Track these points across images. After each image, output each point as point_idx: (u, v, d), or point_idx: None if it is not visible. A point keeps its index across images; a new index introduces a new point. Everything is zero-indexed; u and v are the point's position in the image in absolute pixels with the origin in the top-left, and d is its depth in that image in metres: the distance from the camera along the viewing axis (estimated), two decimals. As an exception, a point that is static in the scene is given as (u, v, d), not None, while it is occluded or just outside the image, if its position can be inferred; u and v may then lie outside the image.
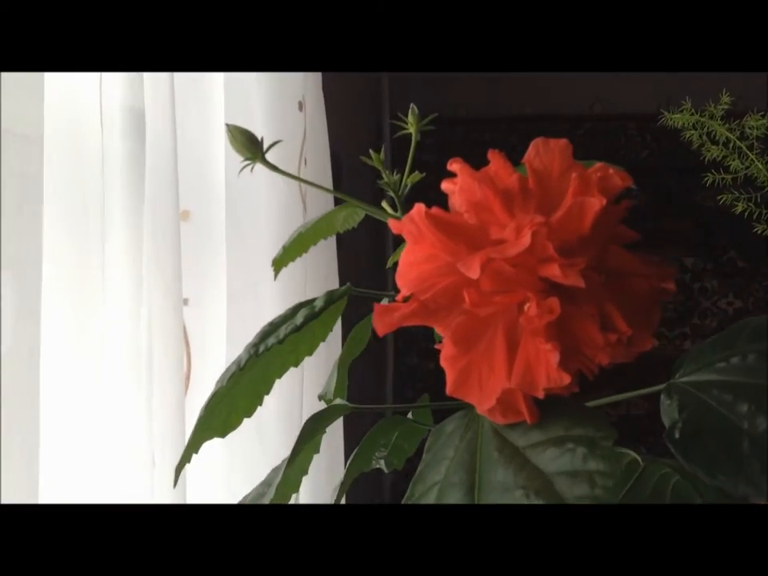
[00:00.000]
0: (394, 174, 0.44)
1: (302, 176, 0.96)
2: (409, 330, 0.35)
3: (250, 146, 0.41)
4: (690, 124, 0.77)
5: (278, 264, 0.47)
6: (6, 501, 0.67)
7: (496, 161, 0.35)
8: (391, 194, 0.44)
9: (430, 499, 0.35)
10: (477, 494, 0.33)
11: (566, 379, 0.31)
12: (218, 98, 0.86)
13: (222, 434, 0.42)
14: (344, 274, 1.10)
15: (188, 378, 0.82)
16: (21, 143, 0.72)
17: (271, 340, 0.38)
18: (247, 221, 0.89)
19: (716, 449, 0.38)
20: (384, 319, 0.33)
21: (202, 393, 0.84)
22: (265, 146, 0.43)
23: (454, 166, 0.36)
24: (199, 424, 0.40)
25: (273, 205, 0.90)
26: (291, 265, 0.93)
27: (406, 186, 0.43)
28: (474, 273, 0.31)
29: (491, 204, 0.33)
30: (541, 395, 0.32)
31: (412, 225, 0.34)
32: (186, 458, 0.40)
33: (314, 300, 0.40)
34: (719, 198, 0.71)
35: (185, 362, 0.82)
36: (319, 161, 1.05)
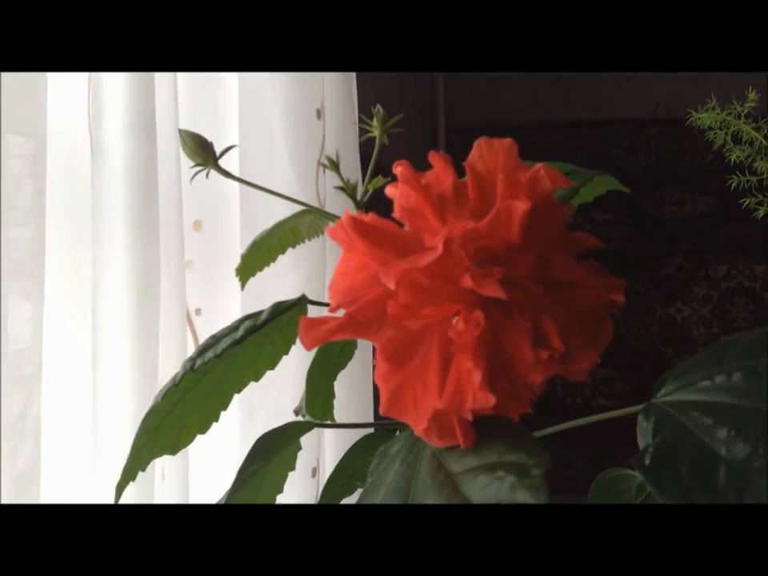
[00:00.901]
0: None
1: (320, 185, 0.95)
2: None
3: (200, 151, 0.40)
4: (717, 123, 0.72)
5: (243, 274, 0.45)
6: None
7: (437, 163, 0.33)
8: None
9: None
10: (405, 523, 0.30)
11: (491, 400, 0.28)
12: (232, 103, 0.86)
13: (173, 450, 0.41)
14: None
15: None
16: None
17: (209, 354, 0.36)
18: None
19: (690, 477, 0.34)
20: (311, 333, 0.31)
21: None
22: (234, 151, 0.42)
23: (398, 169, 0.33)
24: (144, 440, 0.39)
25: (288, 213, 0.89)
26: (307, 272, 0.92)
27: (367, 191, 0.41)
28: (390, 284, 0.28)
29: (424, 210, 0.31)
30: (469, 417, 0.29)
31: (342, 232, 0.32)
32: (130, 476, 0.39)
33: (261, 312, 0.38)
34: (742, 201, 0.67)
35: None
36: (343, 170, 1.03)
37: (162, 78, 0.77)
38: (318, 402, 0.51)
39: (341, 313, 0.32)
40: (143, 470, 0.40)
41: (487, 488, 0.29)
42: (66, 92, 0.73)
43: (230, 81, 0.87)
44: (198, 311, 0.85)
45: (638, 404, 0.38)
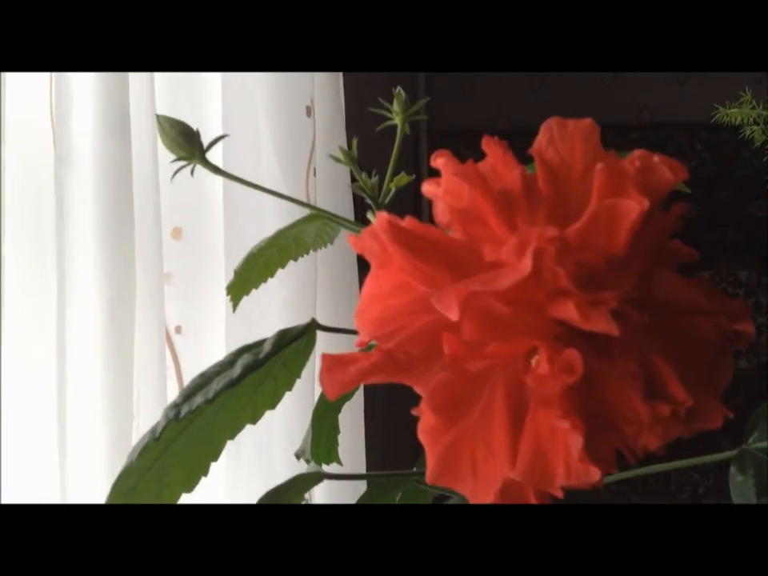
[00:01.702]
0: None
1: (310, 188, 0.87)
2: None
3: (183, 142, 0.32)
4: (751, 119, 0.66)
5: (235, 292, 0.37)
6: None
7: (493, 152, 0.25)
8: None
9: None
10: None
11: (594, 474, 0.20)
12: (215, 99, 0.78)
13: (152, 515, 0.33)
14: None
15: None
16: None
17: (198, 399, 0.28)
18: (249, 240, 0.79)
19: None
20: (335, 376, 0.24)
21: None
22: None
23: (438, 161, 0.26)
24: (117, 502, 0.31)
25: (277, 221, 0.81)
26: (299, 284, 0.84)
27: (388, 191, 0.33)
28: (452, 313, 0.21)
29: (483, 212, 0.23)
30: (558, 494, 0.22)
31: (374, 242, 0.24)
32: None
33: (262, 342, 0.30)
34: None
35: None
36: (333, 172, 0.96)
37: (135, 73, 0.69)
38: (322, 441, 0.43)
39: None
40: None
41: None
42: (24, 91, 0.64)
43: (211, 74, 0.79)
44: (178, 329, 0.77)
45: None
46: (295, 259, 0.38)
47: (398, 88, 0.36)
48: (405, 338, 0.23)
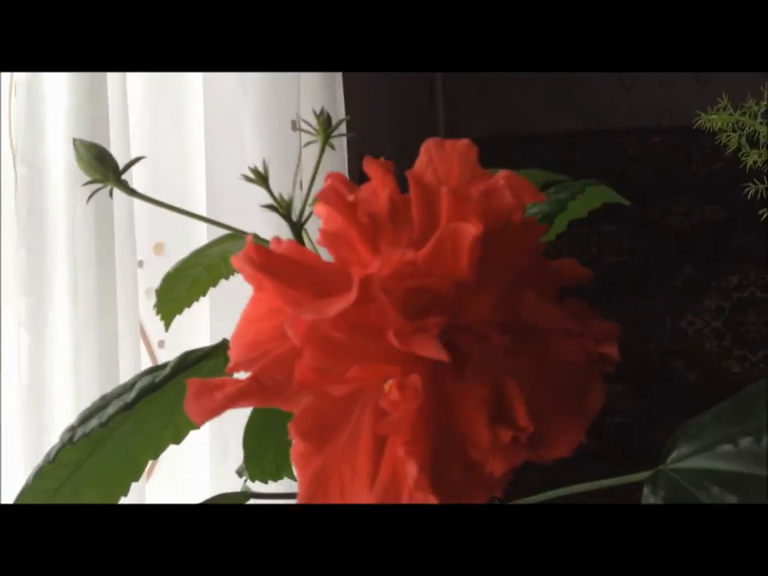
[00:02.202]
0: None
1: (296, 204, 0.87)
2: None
3: (98, 165, 0.32)
4: (729, 125, 0.64)
5: (165, 312, 0.38)
6: None
7: (374, 173, 0.25)
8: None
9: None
10: None
11: (430, 501, 0.20)
12: (197, 113, 0.79)
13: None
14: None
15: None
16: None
17: (93, 422, 0.29)
18: (233, 253, 0.80)
19: None
20: (202, 403, 0.24)
21: (173, 471, 0.75)
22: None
23: (327, 181, 0.26)
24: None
25: (264, 234, 0.81)
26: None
27: (303, 210, 0.33)
28: (295, 339, 0.21)
29: (350, 236, 0.23)
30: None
31: (246, 267, 0.24)
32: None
33: (165, 365, 0.30)
34: (761, 211, 0.59)
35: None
36: (321, 186, 0.96)
37: (112, 82, 0.70)
38: (268, 458, 0.43)
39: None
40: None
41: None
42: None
43: (194, 87, 0.80)
44: (161, 343, 0.78)
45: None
46: (227, 278, 0.38)
47: (322, 107, 0.36)
48: (267, 363, 0.23)
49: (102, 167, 0.32)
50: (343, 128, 0.39)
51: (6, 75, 0.69)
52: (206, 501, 0.34)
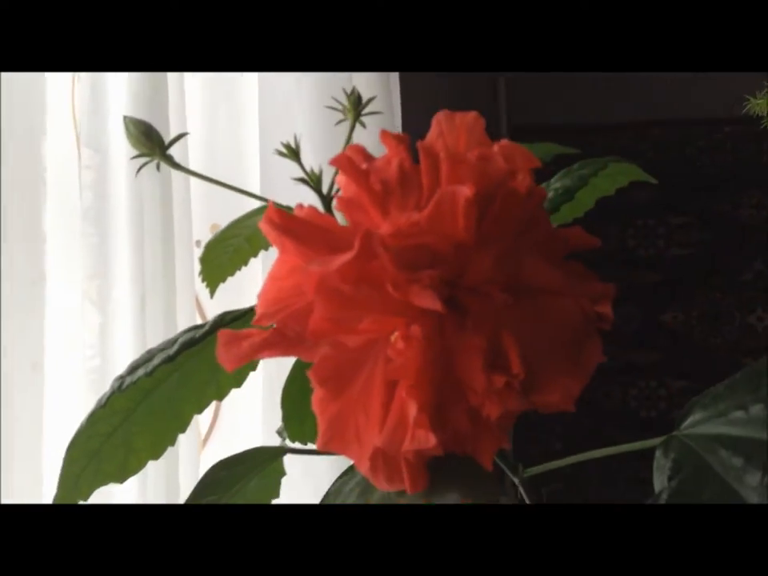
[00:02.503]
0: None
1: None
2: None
3: (145, 140, 0.35)
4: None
5: (211, 280, 0.40)
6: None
7: (388, 145, 0.27)
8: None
9: None
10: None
11: (430, 440, 0.22)
12: (253, 101, 0.82)
13: (121, 479, 0.36)
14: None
15: (213, 424, 0.77)
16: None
17: (140, 372, 0.31)
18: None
19: (709, 532, 0.27)
20: (231, 350, 0.26)
21: (228, 441, 0.78)
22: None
23: (348, 151, 0.28)
24: (80, 467, 0.34)
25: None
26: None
27: (333, 184, 0.35)
28: (308, 291, 0.23)
29: (362, 201, 0.25)
30: (410, 458, 0.23)
31: (270, 230, 0.26)
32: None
33: (205, 324, 0.33)
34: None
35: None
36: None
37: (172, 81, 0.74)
38: (308, 421, 0.45)
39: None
40: (85, 500, 0.35)
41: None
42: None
43: (250, 82, 0.83)
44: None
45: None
46: (266, 249, 0.40)
47: (353, 87, 0.38)
48: (287, 316, 0.25)
49: (149, 142, 0.35)
50: (374, 107, 0.41)
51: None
52: (245, 451, 0.37)
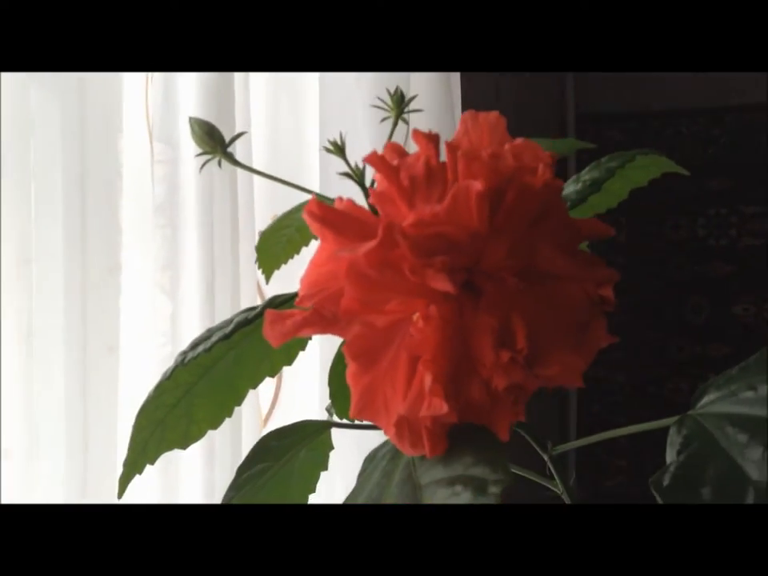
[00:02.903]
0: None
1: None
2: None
3: (208, 139, 0.39)
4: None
5: (266, 267, 0.44)
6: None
7: (419, 143, 0.30)
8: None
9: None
10: (366, 536, 0.28)
11: (442, 407, 0.25)
12: (313, 98, 0.85)
13: (183, 445, 0.40)
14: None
15: (274, 403, 0.81)
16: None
17: (200, 348, 0.35)
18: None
19: (712, 502, 0.29)
20: (276, 328, 0.29)
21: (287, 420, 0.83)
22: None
23: (377, 152, 0.31)
24: (148, 434, 0.39)
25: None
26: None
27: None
28: (340, 275, 0.26)
29: (392, 195, 0.28)
30: (428, 424, 0.26)
31: (311, 222, 0.29)
32: (137, 469, 0.39)
33: (257, 306, 0.36)
34: None
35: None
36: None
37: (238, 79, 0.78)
38: (343, 399, 0.49)
39: (307, 307, 0.29)
40: (152, 464, 0.39)
41: (444, 503, 0.26)
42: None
43: (311, 80, 0.87)
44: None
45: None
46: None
47: (396, 86, 0.41)
48: (324, 298, 0.28)
49: (212, 141, 0.39)
50: (415, 105, 0.43)
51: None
52: (294, 423, 0.40)
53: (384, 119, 0.42)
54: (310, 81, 0.86)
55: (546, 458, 0.41)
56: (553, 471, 0.41)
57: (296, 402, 0.84)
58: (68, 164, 0.82)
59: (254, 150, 0.79)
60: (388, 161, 0.28)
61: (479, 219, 0.25)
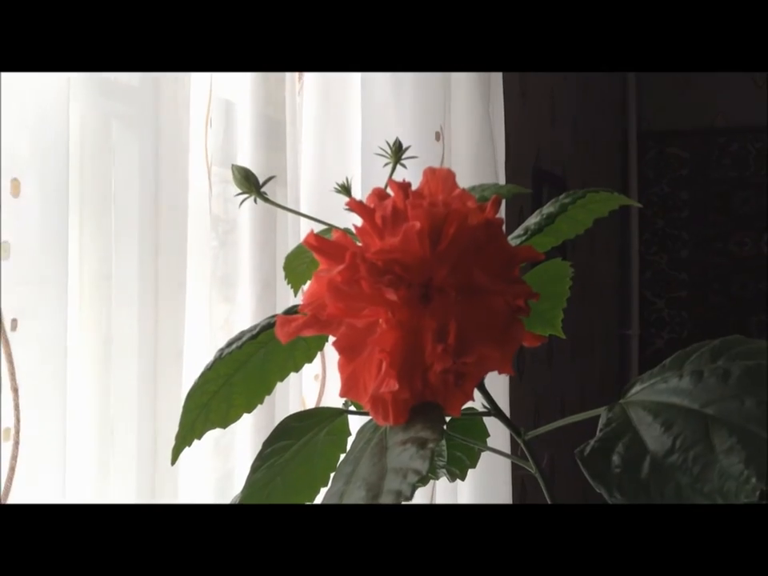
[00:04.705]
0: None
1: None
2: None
3: (244, 181, 0.49)
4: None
5: (294, 282, 0.54)
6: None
7: (394, 190, 0.39)
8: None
9: (333, 490, 0.40)
10: (347, 485, 0.37)
11: (393, 385, 0.34)
12: (356, 123, 0.95)
13: (223, 425, 0.50)
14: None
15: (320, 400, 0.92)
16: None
17: (234, 345, 0.45)
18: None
19: (619, 467, 0.38)
20: (284, 328, 0.39)
21: None
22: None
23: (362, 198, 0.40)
24: (195, 415, 0.49)
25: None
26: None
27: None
28: (324, 290, 0.35)
29: (368, 230, 0.37)
30: (387, 398, 0.35)
31: (311, 249, 0.39)
32: (186, 442, 0.49)
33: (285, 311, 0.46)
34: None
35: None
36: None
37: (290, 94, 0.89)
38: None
39: (307, 313, 0.39)
40: (198, 439, 0.50)
41: (398, 456, 0.35)
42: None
43: (354, 104, 0.97)
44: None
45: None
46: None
47: (396, 138, 0.50)
48: (318, 306, 0.38)
49: (248, 183, 0.49)
50: (432, 145, 0.52)
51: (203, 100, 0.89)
52: (313, 408, 0.50)
53: (386, 164, 0.51)
54: (353, 103, 0.96)
55: (520, 441, 0.49)
56: (526, 453, 0.50)
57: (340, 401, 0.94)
58: (144, 191, 0.94)
59: (302, 183, 0.90)
60: (366, 205, 0.38)
61: (422, 249, 0.34)
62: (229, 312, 0.94)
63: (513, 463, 1.31)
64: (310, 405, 0.93)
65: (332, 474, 0.56)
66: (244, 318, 0.87)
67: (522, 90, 1.89)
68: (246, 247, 0.86)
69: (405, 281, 0.35)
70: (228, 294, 0.87)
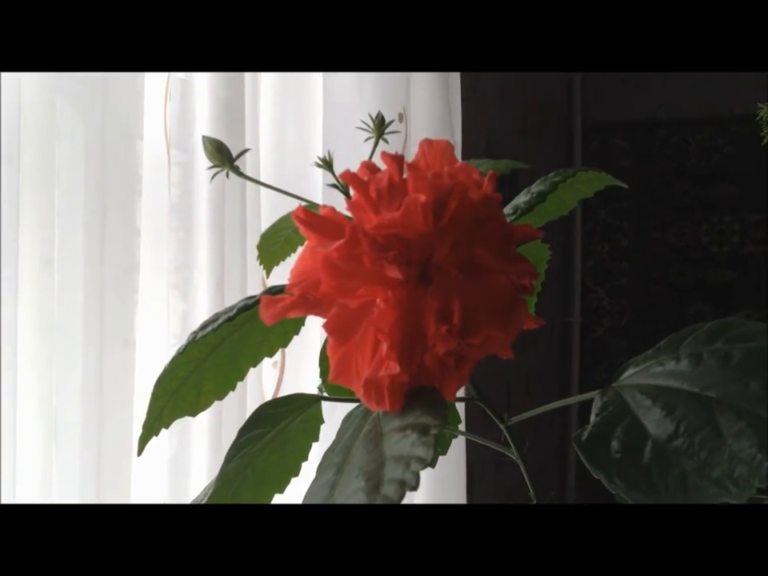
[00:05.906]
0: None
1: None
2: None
3: (216, 154, 0.46)
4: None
5: (267, 263, 0.52)
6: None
7: (386, 162, 0.37)
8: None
9: (322, 481, 0.37)
10: (338, 475, 0.35)
11: (395, 368, 0.32)
12: (317, 102, 0.92)
13: (193, 413, 0.47)
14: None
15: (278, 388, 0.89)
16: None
17: (208, 329, 0.43)
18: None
19: (619, 452, 0.37)
20: (269, 310, 0.37)
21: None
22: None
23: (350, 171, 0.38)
24: (164, 402, 0.46)
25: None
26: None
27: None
28: (319, 267, 0.33)
29: (363, 204, 0.35)
30: (385, 383, 0.33)
31: (298, 222, 0.37)
32: (153, 432, 0.46)
33: (257, 295, 0.44)
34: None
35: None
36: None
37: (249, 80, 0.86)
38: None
39: (294, 292, 0.37)
40: (166, 428, 0.47)
41: (397, 444, 0.33)
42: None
43: (315, 84, 0.94)
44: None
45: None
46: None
47: (378, 111, 0.48)
48: (307, 285, 0.36)
49: (220, 155, 0.46)
50: (396, 126, 0.50)
51: (162, 78, 0.85)
52: (288, 395, 0.47)
53: (367, 139, 0.49)
54: (315, 100, 0.94)
55: (502, 427, 0.48)
56: (508, 439, 0.48)
57: (299, 386, 0.91)
58: (90, 170, 0.89)
59: (261, 162, 0.87)
60: (360, 177, 0.35)
61: (425, 223, 0.32)
62: (186, 303, 0.91)
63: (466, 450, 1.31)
64: (269, 393, 0.90)
65: (303, 464, 0.54)
66: (203, 310, 0.84)
67: (474, 78, 1.89)
68: (206, 229, 0.82)
69: (404, 257, 0.32)
70: (185, 279, 0.84)
